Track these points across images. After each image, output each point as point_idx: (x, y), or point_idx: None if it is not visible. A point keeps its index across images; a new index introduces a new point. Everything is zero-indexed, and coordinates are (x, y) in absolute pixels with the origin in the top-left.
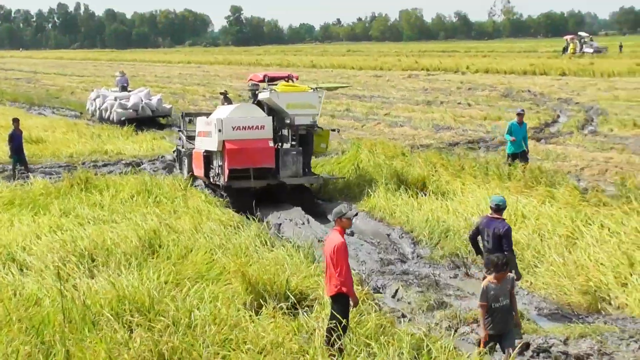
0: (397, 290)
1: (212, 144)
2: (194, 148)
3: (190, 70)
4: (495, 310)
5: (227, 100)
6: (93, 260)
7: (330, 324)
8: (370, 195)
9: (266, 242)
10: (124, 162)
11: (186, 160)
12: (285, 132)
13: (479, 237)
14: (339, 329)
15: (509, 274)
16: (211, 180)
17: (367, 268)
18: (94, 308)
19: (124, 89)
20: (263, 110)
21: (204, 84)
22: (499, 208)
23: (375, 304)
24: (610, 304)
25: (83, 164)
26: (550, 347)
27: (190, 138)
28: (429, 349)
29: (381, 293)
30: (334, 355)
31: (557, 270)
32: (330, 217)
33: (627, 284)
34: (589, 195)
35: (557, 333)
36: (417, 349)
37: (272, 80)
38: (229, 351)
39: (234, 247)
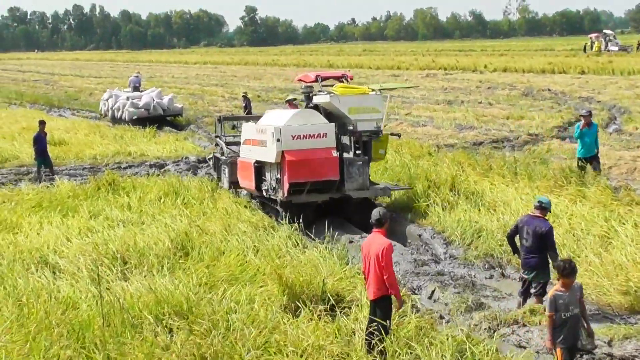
0: (433, 291)
1: (268, 155)
2: (235, 156)
3: (207, 71)
4: (566, 321)
5: (246, 100)
6: (125, 263)
7: (371, 327)
8: (402, 196)
9: (297, 243)
10: (147, 163)
11: (227, 170)
12: (345, 139)
13: (518, 237)
14: (382, 331)
15: (576, 280)
16: (264, 193)
17: (402, 269)
18: (132, 311)
19: (136, 89)
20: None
21: (222, 84)
22: (541, 206)
23: (413, 305)
24: None
25: (107, 165)
26: (595, 347)
27: (230, 144)
28: (471, 352)
29: (417, 294)
30: (377, 358)
31: (595, 270)
32: (372, 220)
33: None
34: (621, 195)
35: (600, 334)
36: (460, 351)
37: (324, 80)
38: (271, 355)
39: (267, 249)
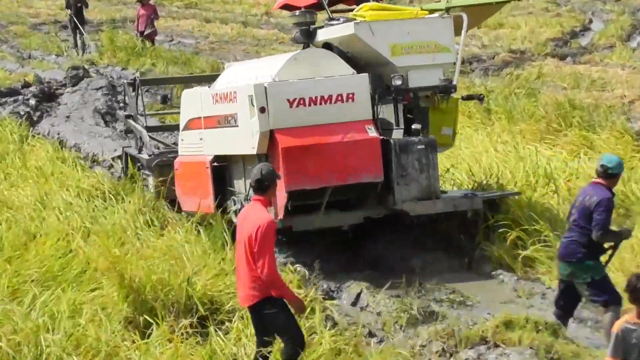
0: (359, 295)
1: (241, 142)
2: (173, 154)
3: None
4: None
5: (77, 1)
6: None
7: (260, 352)
8: None
9: (152, 222)
10: None
11: (151, 179)
12: (384, 105)
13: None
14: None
15: None
16: (233, 219)
17: (310, 259)
18: None
19: None
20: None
21: None
22: (606, 171)
23: (328, 316)
24: None
25: None
26: None
27: (157, 130)
28: None
29: (335, 299)
30: None
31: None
32: (251, 182)
33: None
34: None
35: None
36: None
37: (336, 3)
38: None
39: (104, 231)
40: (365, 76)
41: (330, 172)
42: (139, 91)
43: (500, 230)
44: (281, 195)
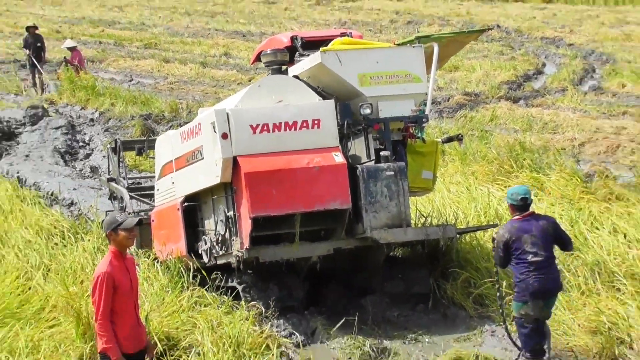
0: (314, 331)
1: (206, 175)
2: (149, 210)
3: None
4: None
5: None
6: None
7: None
8: None
9: None
10: None
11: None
12: (355, 139)
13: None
14: None
15: None
16: (204, 258)
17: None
18: None
19: None
20: None
21: (1, 12)
22: (527, 203)
23: (282, 354)
24: (631, 347)
25: None
26: None
27: (138, 190)
28: None
29: (289, 338)
30: None
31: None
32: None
33: None
34: (595, 185)
35: None
36: None
37: (311, 46)
38: None
39: (62, 269)
40: (331, 102)
41: (295, 198)
42: (121, 154)
43: (451, 269)
44: (246, 223)
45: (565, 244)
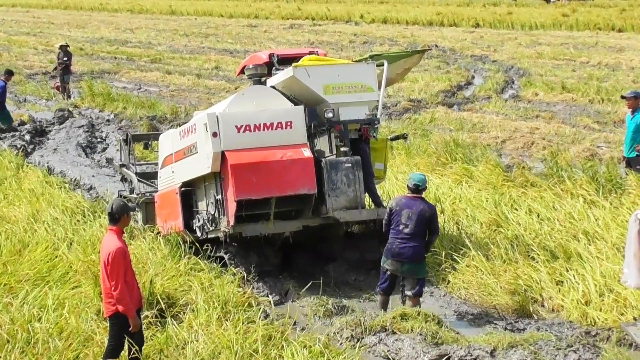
0: (287, 293)
1: (200, 165)
2: (153, 191)
3: (15, 16)
4: None
5: (67, 55)
6: None
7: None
8: None
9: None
10: None
11: (140, 215)
12: (320, 137)
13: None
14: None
15: None
16: (197, 233)
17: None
18: None
19: None
20: None
21: (35, 33)
22: (418, 189)
23: (263, 310)
24: (543, 305)
25: None
26: (475, 359)
27: (145, 177)
28: None
29: (269, 297)
30: None
31: (480, 265)
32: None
33: (562, 282)
34: (514, 174)
35: (481, 342)
36: None
37: (285, 62)
38: None
39: (83, 241)
40: (301, 107)
41: (271, 185)
42: (131, 145)
43: None
44: (232, 205)
45: (432, 232)
